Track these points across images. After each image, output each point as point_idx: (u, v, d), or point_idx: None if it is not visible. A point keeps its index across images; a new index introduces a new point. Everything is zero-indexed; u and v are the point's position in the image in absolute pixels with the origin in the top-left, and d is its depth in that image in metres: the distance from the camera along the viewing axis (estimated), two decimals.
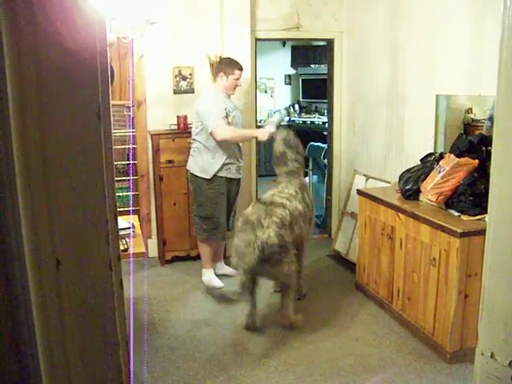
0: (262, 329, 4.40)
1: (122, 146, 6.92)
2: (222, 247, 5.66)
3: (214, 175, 5.04)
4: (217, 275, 5.47)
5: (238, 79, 5.04)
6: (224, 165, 5.04)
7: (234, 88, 5.09)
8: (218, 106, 4.95)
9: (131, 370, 1.33)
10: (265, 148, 7.39)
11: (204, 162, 5.05)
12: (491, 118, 4.32)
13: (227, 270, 5.58)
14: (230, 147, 5.06)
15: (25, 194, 1.03)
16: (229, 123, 4.99)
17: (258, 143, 5.92)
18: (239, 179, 5.32)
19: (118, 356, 1.16)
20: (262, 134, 5.01)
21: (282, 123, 5.14)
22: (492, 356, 1.60)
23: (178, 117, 5.66)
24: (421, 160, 4.57)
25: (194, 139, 5.14)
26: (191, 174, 5.17)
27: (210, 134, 4.90)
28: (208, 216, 5.14)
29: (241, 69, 5.05)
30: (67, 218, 1.09)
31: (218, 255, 5.61)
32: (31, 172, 1.03)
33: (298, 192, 4.55)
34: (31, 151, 1.03)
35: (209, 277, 5.33)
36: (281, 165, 4.78)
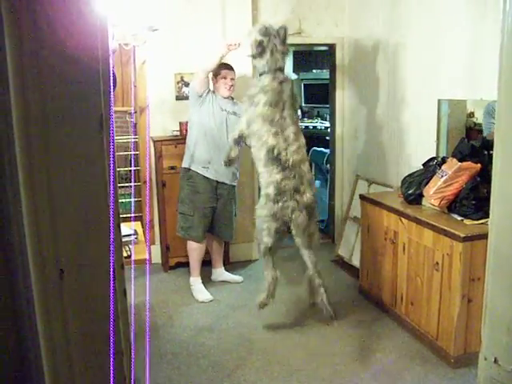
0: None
1: (125, 153, 6.93)
2: (220, 253, 5.60)
3: (190, 169, 5.05)
4: (216, 282, 5.52)
5: (225, 78, 5.01)
6: (200, 158, 5.02)
7: (227, 89, 5.03)
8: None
9: (134, 377, 1.33)
10: None
11: (188, 152, 5.11)
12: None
13: (228, 276, 5.58)
14: (210, 145, 5.02)
15: (29, 204, 1.03)
16: (227, 125, 5.01)
17: None
18: (226, 185, 5.19)
19: (121, 364, 1.17)
20: (228, 41, 4.73)
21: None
22: (495, 361, 1.60)
23: (180, 123, 5.66)
24: (423, 164, 4.57)
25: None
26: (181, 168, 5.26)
27: (191, 94, 5.03)
28: (185, 213, 5.13)
29: (228, 68, 5.04)
30: (71, 227, 1.09)
31: (216, 261, 5.58)
32: (35, 182, 1.04)
33: (300, 131, 4.35)
34: (34, 162, 1.03)
35: (196, 288, 5.25)
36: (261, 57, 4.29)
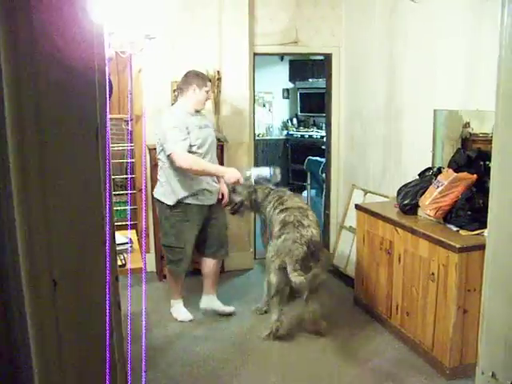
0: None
1: (121, 160, 6.92)
2: (217, 275, 5.06)
3: (179, 202, 4.55)
4: (203, 309, 4.99)
5: (208, 92, 4.66)
6: (192, 193, 4.56)
7: (206, 101, 4.73)
8: (180, 126, 4.44)
9: None
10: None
11: (168, 187, 4.58)
12: None
13: (219, 307, 4.98)
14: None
15: (22, 214, 1.02)
16: (201, 144, 4.55)
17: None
18: (217, 203, 4.81)
19: (115, 377, 1.15)
20: (231, 175, 4.53)
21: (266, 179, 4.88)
22: (493, 376, 1.58)
23: None
24: (419, 175, 4.57)
25: (159, 158, 4.66)
26: (155, 198, 4.74)
27: (168, 156, 4.43)
28: (172, 246, 4.67)
29: (210, 80, 4.86)
30: (64, 237, 1.08)
31: (209, 285, 4.99)
32: (28, 192, 1.02)
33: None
34: (28, 172, 1.02)
35: (177, 309, 4.90)
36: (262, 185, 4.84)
